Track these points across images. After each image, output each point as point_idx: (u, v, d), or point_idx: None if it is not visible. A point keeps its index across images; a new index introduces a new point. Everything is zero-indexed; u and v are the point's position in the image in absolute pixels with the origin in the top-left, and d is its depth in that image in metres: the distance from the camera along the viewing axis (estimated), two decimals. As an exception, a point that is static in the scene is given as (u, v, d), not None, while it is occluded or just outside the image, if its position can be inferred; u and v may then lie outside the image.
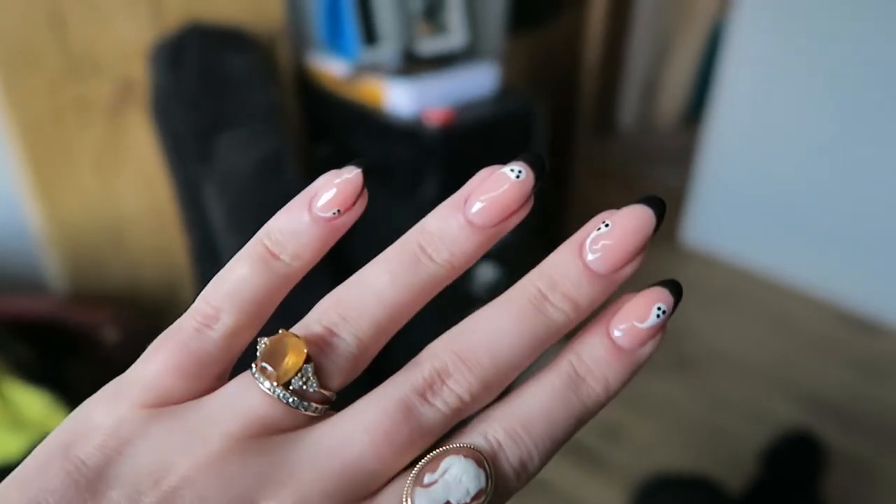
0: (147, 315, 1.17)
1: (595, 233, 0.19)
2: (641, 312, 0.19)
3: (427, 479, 0.18)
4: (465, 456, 0.18)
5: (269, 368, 0.18)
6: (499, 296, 0.20)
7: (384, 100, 1.12)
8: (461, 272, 0.20)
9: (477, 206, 0.19)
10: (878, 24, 1.82)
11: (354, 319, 0.19)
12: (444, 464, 0.18)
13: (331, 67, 1.19)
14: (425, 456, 0.19)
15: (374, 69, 1.16)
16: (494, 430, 0.19)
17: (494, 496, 0.18)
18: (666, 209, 0.20)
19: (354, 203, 0.20)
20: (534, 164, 0.20)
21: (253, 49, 1.08)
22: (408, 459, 0.18)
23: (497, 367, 0.19)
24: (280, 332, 0.19)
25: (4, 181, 1.02)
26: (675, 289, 0.20)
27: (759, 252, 2.30)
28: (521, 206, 0.20)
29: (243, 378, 0.19)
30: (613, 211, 0.20)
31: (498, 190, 0.19)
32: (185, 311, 0.20)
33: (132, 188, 1.09)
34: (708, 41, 3.51)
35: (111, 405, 0.18)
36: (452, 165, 1.07)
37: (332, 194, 0.20)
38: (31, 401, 0.81)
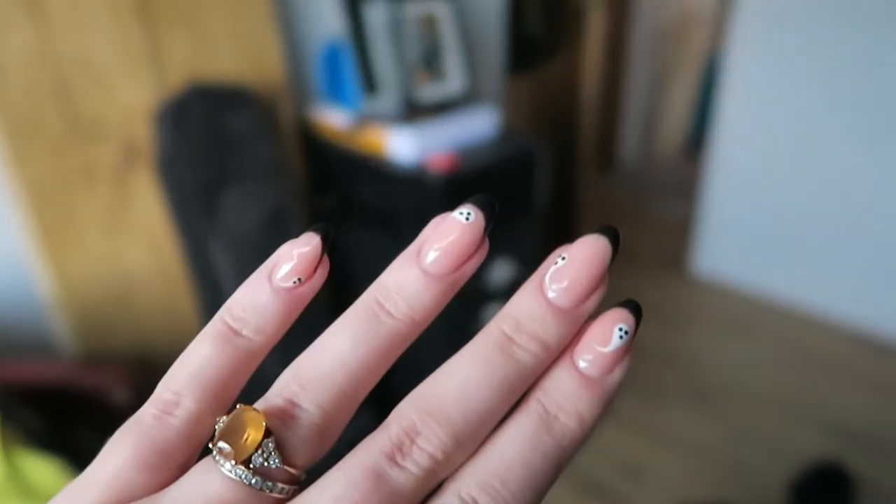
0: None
1: (553, 267, 0.19)
2: (603, 336, 0.18)
3: None
4: None
5: (228, 447, 0.17)
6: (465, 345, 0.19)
7: (386, 148, 1.13)
8: (425, 326, 0.20)
9: (431, 256, 0.19)
10: (875, 49, 1.83)
11: (316, 388, 0.18)
12: None
13: (332, 119, 1.20)
14: None
15: (376, 118, 1.17)
16: (468, 488, 0.17)
17: None
18: (620, 237, 0.19)
19: (315, 271, 0.20)
20: (483, 206, 0.19)
21: (255, 106, 1.10)
22: None
23: (468, 420, 0.18)
24: (237, 406, 0.18)
25: (13, 246, 1.03)
26: (635, 308, 0.19)
27: (770, 279, 2.28)
28: (476, 250, 0.19)
29: (205, 463, 0.18)
30: (568, 245, 0.19)
31: (450, 237, 0.19)
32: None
33: (139, 249, 1.09)
34: (704, 73, 3.55)
35: None
36: (457, 210, 1.07)
37: (291, 264, 0.20)
38: (42, 470, 0.80)
